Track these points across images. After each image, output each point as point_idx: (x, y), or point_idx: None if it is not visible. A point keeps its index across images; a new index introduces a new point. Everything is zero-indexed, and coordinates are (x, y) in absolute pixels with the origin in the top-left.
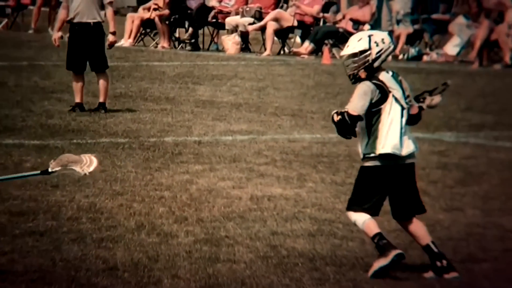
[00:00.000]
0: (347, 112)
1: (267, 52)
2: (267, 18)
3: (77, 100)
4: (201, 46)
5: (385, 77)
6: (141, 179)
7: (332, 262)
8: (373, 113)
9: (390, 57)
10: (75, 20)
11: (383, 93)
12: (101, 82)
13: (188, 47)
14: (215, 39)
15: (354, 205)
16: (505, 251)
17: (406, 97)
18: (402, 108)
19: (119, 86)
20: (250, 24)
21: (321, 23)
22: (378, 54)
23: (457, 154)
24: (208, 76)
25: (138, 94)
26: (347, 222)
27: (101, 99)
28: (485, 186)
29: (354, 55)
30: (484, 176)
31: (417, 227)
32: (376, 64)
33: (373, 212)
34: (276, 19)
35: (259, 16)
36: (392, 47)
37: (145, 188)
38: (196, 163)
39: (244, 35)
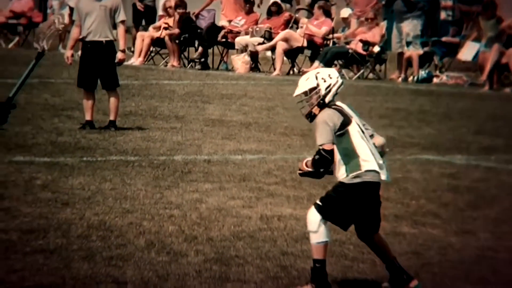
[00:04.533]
0: (323, 148)
1: (277, 71)
2: (277, 38)
3: (88, 117)
4: (210, 65)
5: (341, 104)
6: (150, 197)
7: (342, 283)
8: (341, 135)
9: (400, 79)
10: (88, 39)
11: (345, 115)
12: (112, 100)
13: (198, 66)
14: (225, 59)
15: (329, 217)
16: None
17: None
18: (363, 132)
19: (129, 104)
20: (259, 44)
21: (331, 44)
22: (327, 89)
23: (468, 177)
24: (218, 95)
25: (148, 112)
26: (357, 243)
27: (111, 117)
28: (496, 209)
29: (305, 93)
30: (495, 199)
31: (384, 242)
32: (327, 99)
33: (345, 228)
34: (285, 39)
35: (268, 36)
36: (340, 81)
37: (155, 206)
38: (206, 181)
39: (254, 55)
